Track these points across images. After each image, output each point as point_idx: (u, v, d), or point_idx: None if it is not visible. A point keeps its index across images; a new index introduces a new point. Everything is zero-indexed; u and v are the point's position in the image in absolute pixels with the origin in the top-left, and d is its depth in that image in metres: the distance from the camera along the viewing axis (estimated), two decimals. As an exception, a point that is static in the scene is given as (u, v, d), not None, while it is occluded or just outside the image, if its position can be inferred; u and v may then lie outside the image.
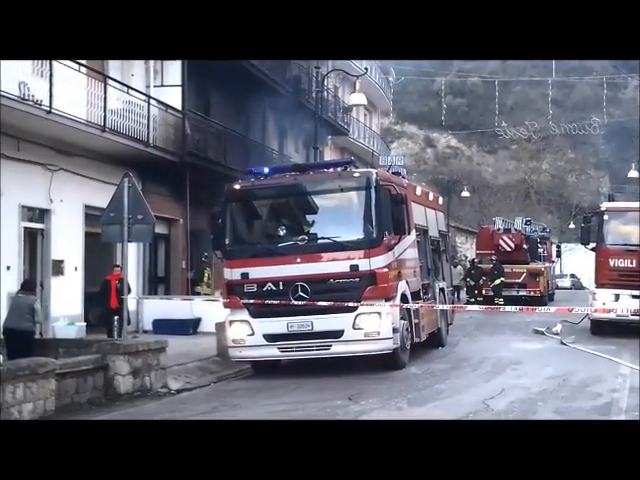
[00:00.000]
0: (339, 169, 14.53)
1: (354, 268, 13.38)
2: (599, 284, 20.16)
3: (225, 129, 24.24)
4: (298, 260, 13.48)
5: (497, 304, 26.56)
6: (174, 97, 21.62)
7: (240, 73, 23.05)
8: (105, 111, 17.71)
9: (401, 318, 13.88)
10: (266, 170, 14.77)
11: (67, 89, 16.25)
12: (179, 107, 21.73)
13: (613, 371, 13.77)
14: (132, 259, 18.90)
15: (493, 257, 31.23)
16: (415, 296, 15.10)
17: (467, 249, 51.30)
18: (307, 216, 14.32)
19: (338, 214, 14.08)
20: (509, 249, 32.23)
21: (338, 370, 13.64)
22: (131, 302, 16.50)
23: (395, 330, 13.51)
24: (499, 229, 33.69)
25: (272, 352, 13.73)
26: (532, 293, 31.86)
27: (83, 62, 16.84)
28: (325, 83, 27.72)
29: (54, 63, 15.62)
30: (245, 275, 13.74)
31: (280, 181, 14.44)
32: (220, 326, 15.01)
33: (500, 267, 30.45)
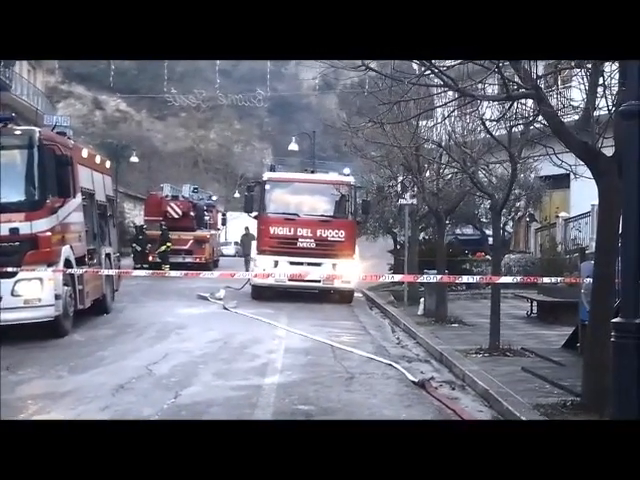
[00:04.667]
0: (-1, 126, 13.68)
1: (14, 231, 12.72)
2: (260, 251, 21.14)
3: None
4: (-50, 222, 12.52)
5: (163, 270, 26.77)
6: None
7: None
8: None
9: (64, 284, 13.50)
10: None
11: None
12: None
13: (270, 333, 14.61)
14: None
15: (162, 223, 31.37)
16: (80, 261, 14.73)
17: (135, 215, 50.93)
18: (-38, 175, 13.31)
19: (-3, 174, 13.27)
20: (177, 216, 32.67)
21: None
22: None
23: (57, 297, 13.11)
24: (167, 196, 34.02)
25: None
26: (198, 260, 32.58)
27: None
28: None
29: None
30: None
31: None
32: None
33: (167, 233, 30.68)
